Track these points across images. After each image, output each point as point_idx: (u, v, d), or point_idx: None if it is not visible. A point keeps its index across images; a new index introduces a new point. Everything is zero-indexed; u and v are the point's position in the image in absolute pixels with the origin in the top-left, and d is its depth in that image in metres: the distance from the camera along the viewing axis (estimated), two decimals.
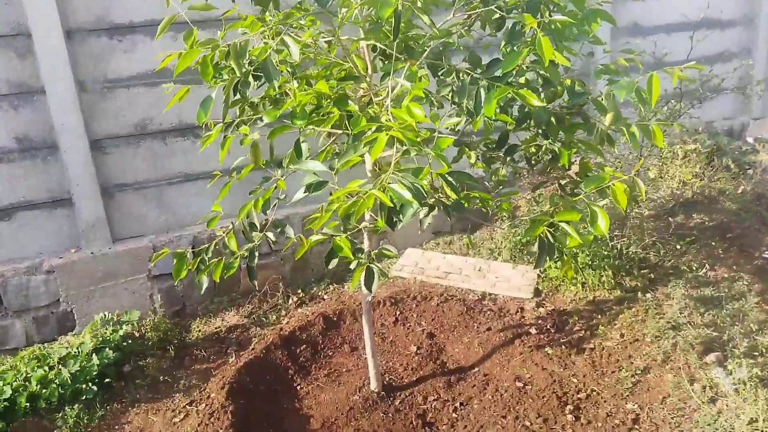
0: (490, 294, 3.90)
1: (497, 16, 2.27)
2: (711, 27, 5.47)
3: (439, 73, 2.22)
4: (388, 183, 1.68)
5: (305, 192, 2.22)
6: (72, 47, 3.49)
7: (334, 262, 2.02)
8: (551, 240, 2.09)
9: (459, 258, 4.35)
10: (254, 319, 3.77)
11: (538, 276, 4.02)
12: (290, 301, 3.96)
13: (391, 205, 1.63)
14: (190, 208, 4.01)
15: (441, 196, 2.20)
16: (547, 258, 2.10)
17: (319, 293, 4.05)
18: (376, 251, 2.11)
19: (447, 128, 2.12)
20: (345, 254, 1.90)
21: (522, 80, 2.30)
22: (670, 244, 4.10)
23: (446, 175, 1.92)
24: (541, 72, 2.14)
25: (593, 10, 2.09)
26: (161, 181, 3.91)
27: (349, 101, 2.01)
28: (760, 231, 4.44)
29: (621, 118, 2.17)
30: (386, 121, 2.09)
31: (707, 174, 5.31)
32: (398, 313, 3.73)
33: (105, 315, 3.49)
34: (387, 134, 1.73)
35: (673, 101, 4.12)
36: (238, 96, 2.27)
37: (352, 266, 2.09)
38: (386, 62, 2.59)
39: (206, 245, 2.50)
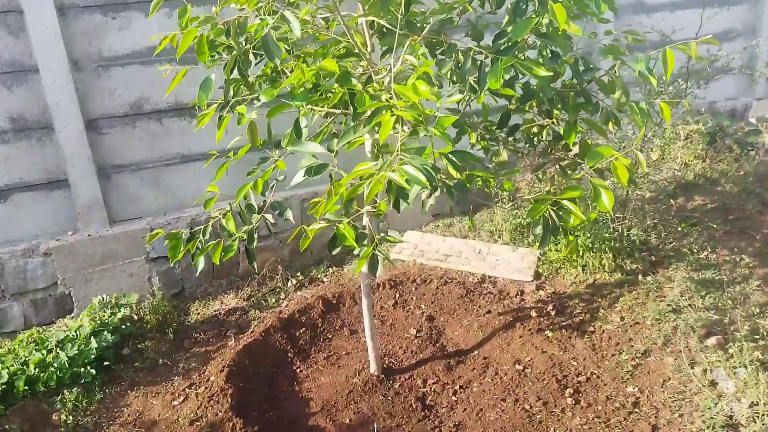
0: (490, 277, 3.88)
1: None
2: (717, 5, 5.38)
3: (438, 52, 2.17)
4: (401, 165, 1.63)
5: (305, 175, 2.18)
6: (65, 24, 3.42)
7: (337, 249, 1.98)
8: (555, 219, 2.06)
9: (459, 240, 4.32)
10: (253, 302, 3.75)
11: (538, 258, 4.00)
12: (289, 284, 3.93)
13: (408, 187, 1.59)
14: (188, 190, 3.97)
15: (443, 176, 2.16)
16: (552, 237, 2.07)
17: (319, 276, 4.03)
18: (380, 236, 2.08)
19: (448, 106, 2.08)
20: (349, 243, 1.86)
21: (524, 57, 2.25)
22: (672, 226, 4.07)
23: (449, 155, 1.88)
24: (549, 45, 2.08)
25: None
26: (158, 162, 3.86)
27: (353, 80, 1.96)
28: (761, 213, 4.40)
29: (629, 95, 2.12)
30: (387, 99, 2.04)
31: (709, 155, 5.26)
32: (398, 296, 3.71)
33: (103, 298, 3.47)
34: (393, 114, 1.68)
35: (680, 80, 4.05)
36: (236, 74, 2.22)
37: (355, 252, 2.05)
38: (384, 39, 2.52)
39: (202, 227, 2.46)
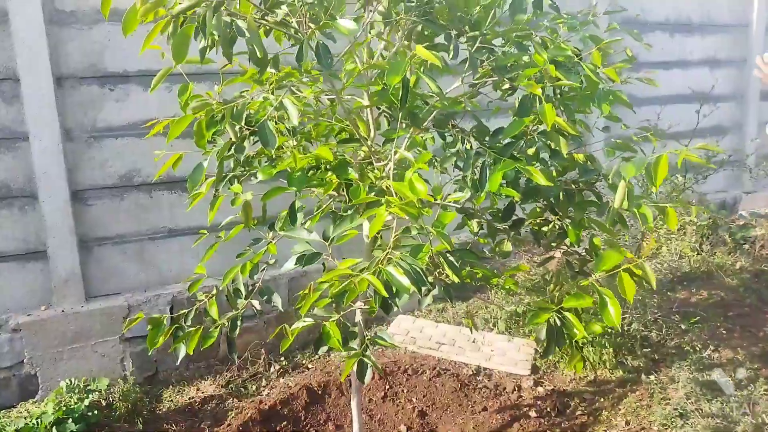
0: (485, 368, 3.68)
1: (507, 86, 2.19)
2: (706, 101, 5.53)
3: (446, 141, 2.11)
4: (385, 265, 1.51)
5: (296, 264, 2.05)
6: (61, 94, 3.38)
7: (324, 349, 1.82)
8: (560, 327, 1.92)
9: (452, 327, 4.15)
10: (232, 389, 3.51)
11: (536, 351, 3.82)
12: (272, 369, 3.71)
13: (386, 295, 1.46)
14: (172, 266, 3.81)
15: (441, 272, 2.04)
16: (556, 348, 1.93)
17: (304, 362, 3.81)
18: (370, 338, 1.93)
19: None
20: (334, 345, 1.71)
21: (531, 151, 2.20)
22: (673, 322, 3.94)
23: (448, 255, 1.77)
24: (549, 143, 2.03)
25: (606, 90, 2.00)
26: (143, 236, 3.72)
27: (350, 169, 1.88)
28: (761, 310, 4.30)
29: (633, 197, 2.05)
30: (387, 187, 1.95)
31: (704, 248, 5.22)
32: (387, 387, 3.49)
33: (71, 381, 3.22)
34: (388, 210, 1.58)
35: (677, 175, 4.06)
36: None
37: (342, 354, 1.90)
38: (385, 132, 2.48)
39: (185, 311, 2.31)
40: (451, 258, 1.72)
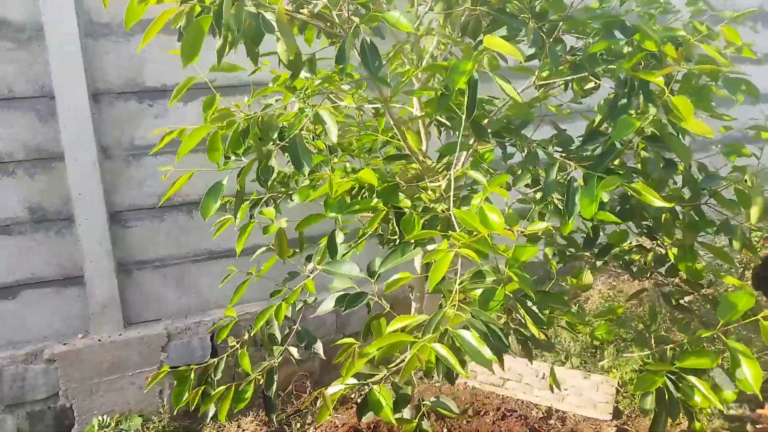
0: (557, 410, 3.23)
1: (591, 85, 1.78)
2: None
3: (506, 152, 1.73)
4: (457, 326, 1.15)
5: (335, 306, 1.71)
6: (98, 111, 3.20)
7: (369, 415, 1.47)
8: (674, 393, 1.49)
9: (518, 361, 3.70)
10: (275, 426, 3.21)
11: (617, 391, 3.33)
12: (317, 405, 3.38)
13: (459, 369, 1.10)
14: (214, 289, 3.57)
15: (515, 320, 1.66)
16: (670, 419, 1.49)
17: (353, 395, 3.47)
18: (428, 405, 1.56)
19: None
20: (384, 415, 1.35)
21: (617, 162, 1.78)
22: None
23: (527, 302, 1.38)
24: (660, 150, 1.61)
25: (731, 79, 1.56)
26: (184, 259, 3.50)
27: (400, 194, 1.52)
28: None
29: None
30: (443, 211, 1.60)
31: None
32: (445, 430, 3.09)
33: (103, 419, 3.01)
34: (453, 251, 1.22)
35: None
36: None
37: (394, 417, 1.54)
38: (443, 147, 2.12)
39: (213, 361, 2.01)
40: (532, 306, 1.34)
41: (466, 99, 1.37)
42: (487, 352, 1.08)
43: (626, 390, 3.31)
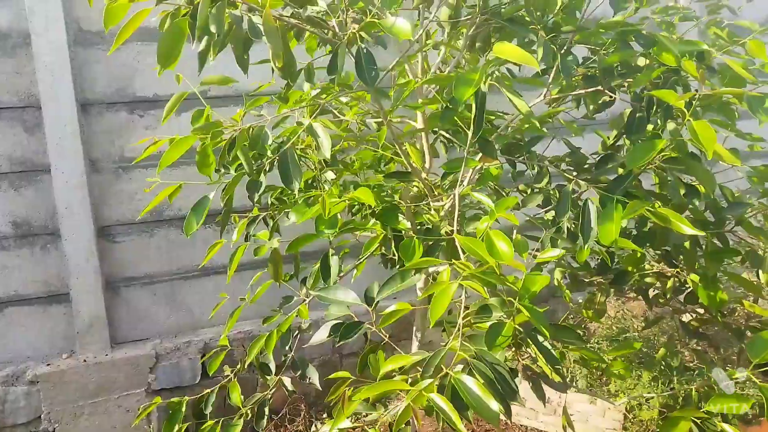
0: None
1: (606, 99, 1.67)
2: None
3: (515, 169, 1.60)
4: (454, 371, 1.02)
5: (330, 335, 1.58)
6: (86, 122, 3.08)
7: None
8: None
9: (522, 384, 3.55)
10: None
11: (625, 417, 3.18)
12: (313, 429, 3.24)
13: (458, 422, 0.97)
14: (205, 307, 3.44)
15: (523, 354, 1.53)
16: None
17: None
18: None
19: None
20: None
21: (633, 183, 1.65)
22: None
23: (538, 338, 1.25)
24: (679, 175, 1.48)
25: (754, 96, 1.44)
26: (175, 275, 3.37)
27: (400, 216, 1.40)
28: None
29: None
30: (447, 233, 1.48)
31: None
32: None
33: None
34: (456, 283, 1.09)
35: None
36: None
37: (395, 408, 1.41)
38: (447, 152, 2.00)
39: (205, 393, 1.88)
40: (544, 342, 1.21)
41: (473, 112, 1.25)
42: (493, 405, 0.96)
43: (634, 416, 3.17)
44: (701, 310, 1.96)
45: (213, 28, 1.07)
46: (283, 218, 2.21)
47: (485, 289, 1.10)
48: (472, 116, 1.25)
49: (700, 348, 2.02)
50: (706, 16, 1.72)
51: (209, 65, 1.38)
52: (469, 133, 1.39)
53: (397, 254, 1.39)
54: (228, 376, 2.17)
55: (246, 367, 2.16)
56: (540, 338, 1.22)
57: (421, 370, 1.21)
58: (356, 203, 1.69)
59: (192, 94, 1.95)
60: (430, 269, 1.57)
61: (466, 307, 1.16)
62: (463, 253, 1.30)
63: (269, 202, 2.18)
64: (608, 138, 1.89)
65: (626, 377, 1.81)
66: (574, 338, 1.33)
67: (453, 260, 1.15)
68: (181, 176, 3.12)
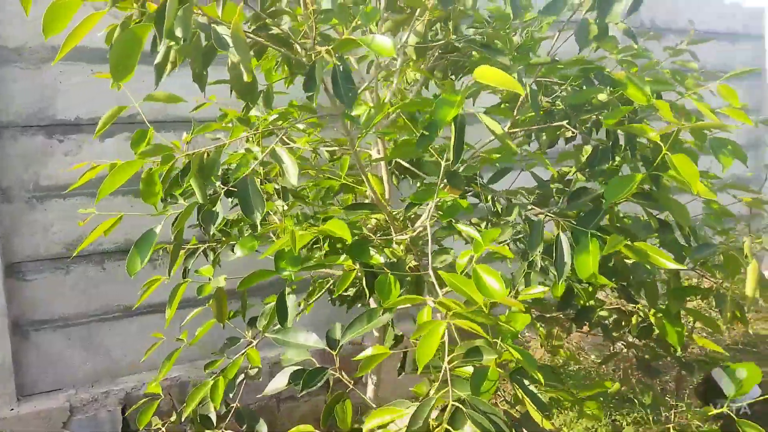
0: None
1: (570, 134, 1.66)
2: None
3: (498, 210, 1.55)
4: (451, 416, 0.92)
5: (289, 384, 1.43)
6: None
7: None
8: None
9: None
10: None
11: None
12: None
13: None
14: (127, 351, 3.12)
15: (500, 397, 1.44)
16: None
17: None
18: None
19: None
20: None
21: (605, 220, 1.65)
22: None
23: (523, 380, 1.17)
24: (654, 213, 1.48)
25: (718, 139, 1.47)
26: (93, 316, 3.05)
27: (372, 251, 1.29)
28: None
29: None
30: (409, 269, 1.39)
31: None
32: None
33: None
34: (444, 324, 0.99)
35: None
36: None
37: None
38: (399, 183, 1.93)
39: None
40: (531, 387, 1.13)
41: (452, 137, 1.18)
42: None
43: None
44: (655, 345, 1.97)
45: (179, 32, 0.94)
46: (227, 252, 2.04)
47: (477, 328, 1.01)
48: (452, 141, 1.18)
49: (645, 381, 2.03)
50: (667, 59, 1.78)
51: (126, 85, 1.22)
52: (442, 162, 1.32)
53: (367, 290, 1.28)
54: (157, 429, 1.95)
55: (175, 410, 1.94)
56: (526, 382, 1.14)
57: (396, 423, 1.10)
58: (314, 238, 1.57)
59: (120, 118, 1.77)
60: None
61: (451, 350, 1.07)
62: (441, 288, 1.21)
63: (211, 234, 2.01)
64: (556, 171, 1.89)
65: (600, 418, 1.76)
66: (554, 380, 1.27)
67: (439, 298, 1.06)
68: (104, 207, 2.87)
